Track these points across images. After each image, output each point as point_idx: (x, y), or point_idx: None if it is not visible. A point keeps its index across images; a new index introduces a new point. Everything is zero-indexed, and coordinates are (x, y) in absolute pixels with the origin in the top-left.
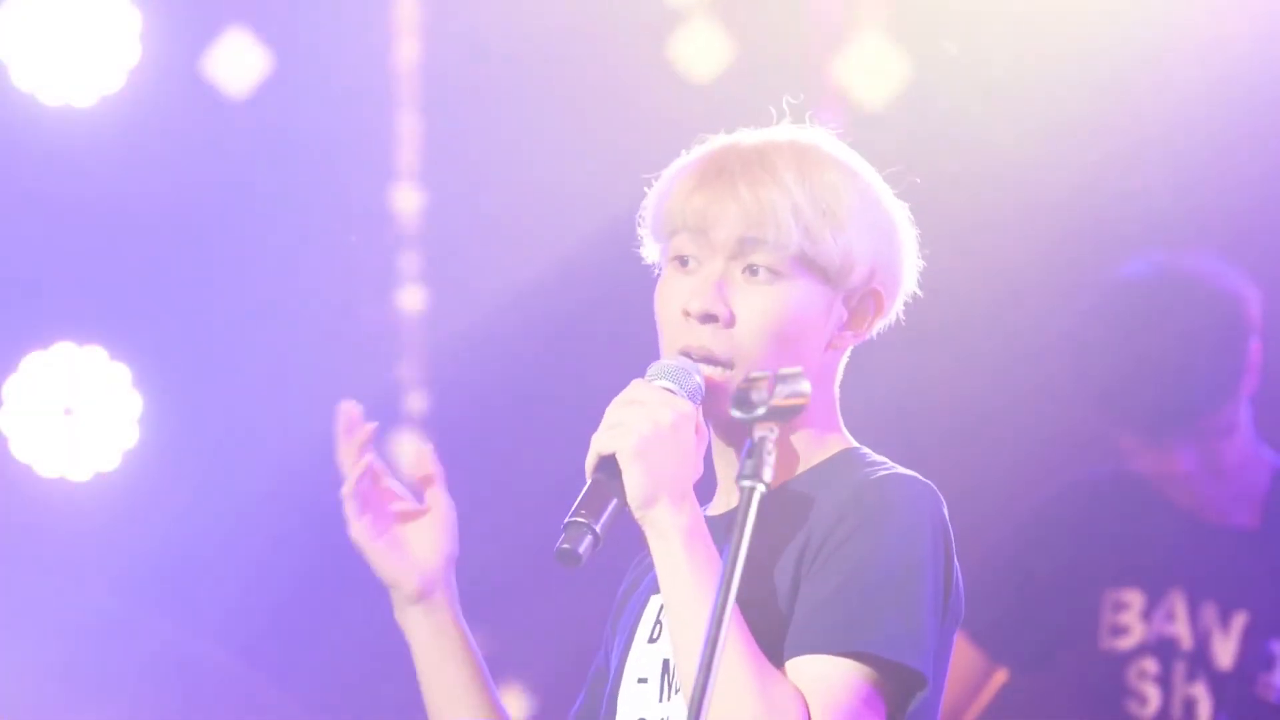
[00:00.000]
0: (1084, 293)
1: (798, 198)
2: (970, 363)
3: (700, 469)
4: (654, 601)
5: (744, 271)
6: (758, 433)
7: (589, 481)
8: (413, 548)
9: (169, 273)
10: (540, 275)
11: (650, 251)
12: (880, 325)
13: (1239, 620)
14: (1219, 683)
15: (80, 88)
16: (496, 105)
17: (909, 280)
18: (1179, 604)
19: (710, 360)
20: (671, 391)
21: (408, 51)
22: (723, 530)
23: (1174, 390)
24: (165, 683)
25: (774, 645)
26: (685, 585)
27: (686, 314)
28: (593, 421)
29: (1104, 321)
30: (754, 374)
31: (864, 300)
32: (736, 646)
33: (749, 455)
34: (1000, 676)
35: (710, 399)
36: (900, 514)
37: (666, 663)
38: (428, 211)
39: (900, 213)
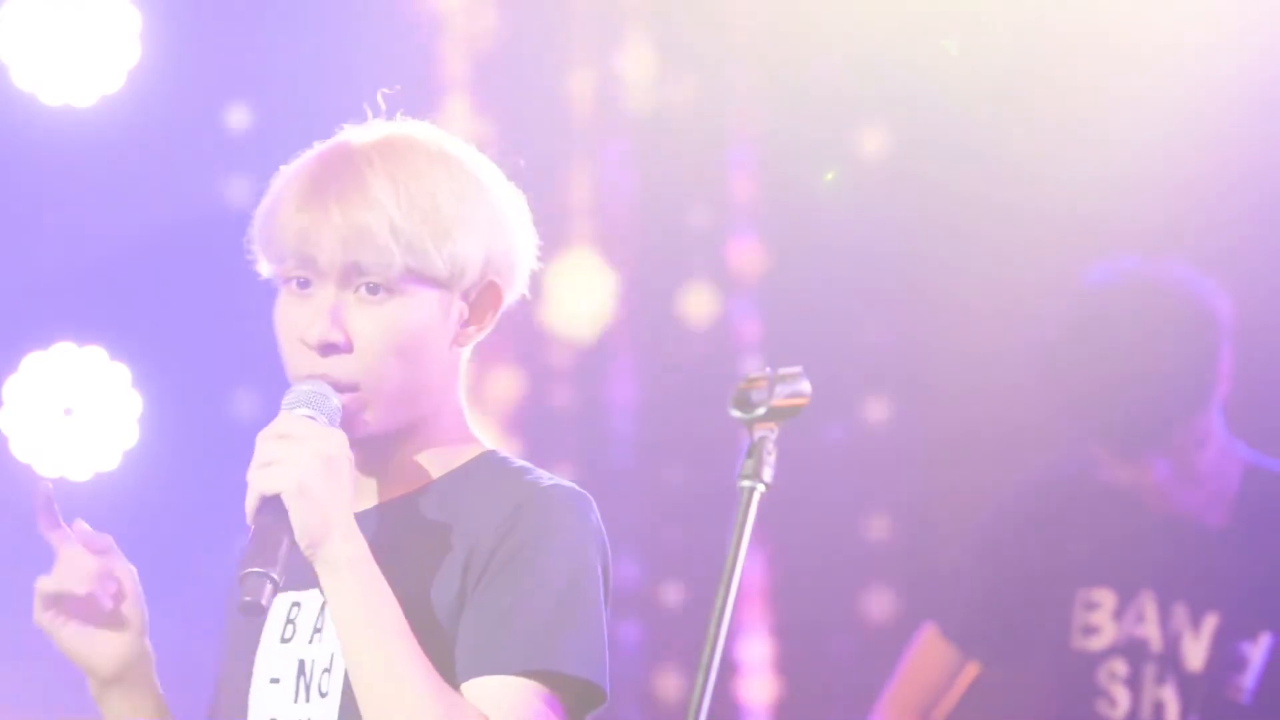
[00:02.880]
0: (1056, 299)
1: (394, 215)
2: (949, 360)
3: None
4: (282, 600)
5: (357, 291)
6: (757, 433)
7: (254, 526)
8: (105, 626)
9: (169, 273)
10: None
11: (265, 267)
12: (500, 314)
13: (1210, 622)
14: (1188, 685)
15: (80, 88)
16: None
17: (525, 261)
18: (1149, 605)
19: (336, 388)
20: (314, 420)
21: (416, 45)
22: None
23: (1146, 404)
24: (165, 682)
25: (441, 661)
26: (362, 618)
27: (304, 340)
28: None
29: (1075, 330)
30: (753, 374)
31: (483, 294)
32: (412, 668)
33: (748, 455)
34: (972, 670)
35: (343, 423)
36: (567, 527)
37: (302, 664)
38: None
39: (506, 195)
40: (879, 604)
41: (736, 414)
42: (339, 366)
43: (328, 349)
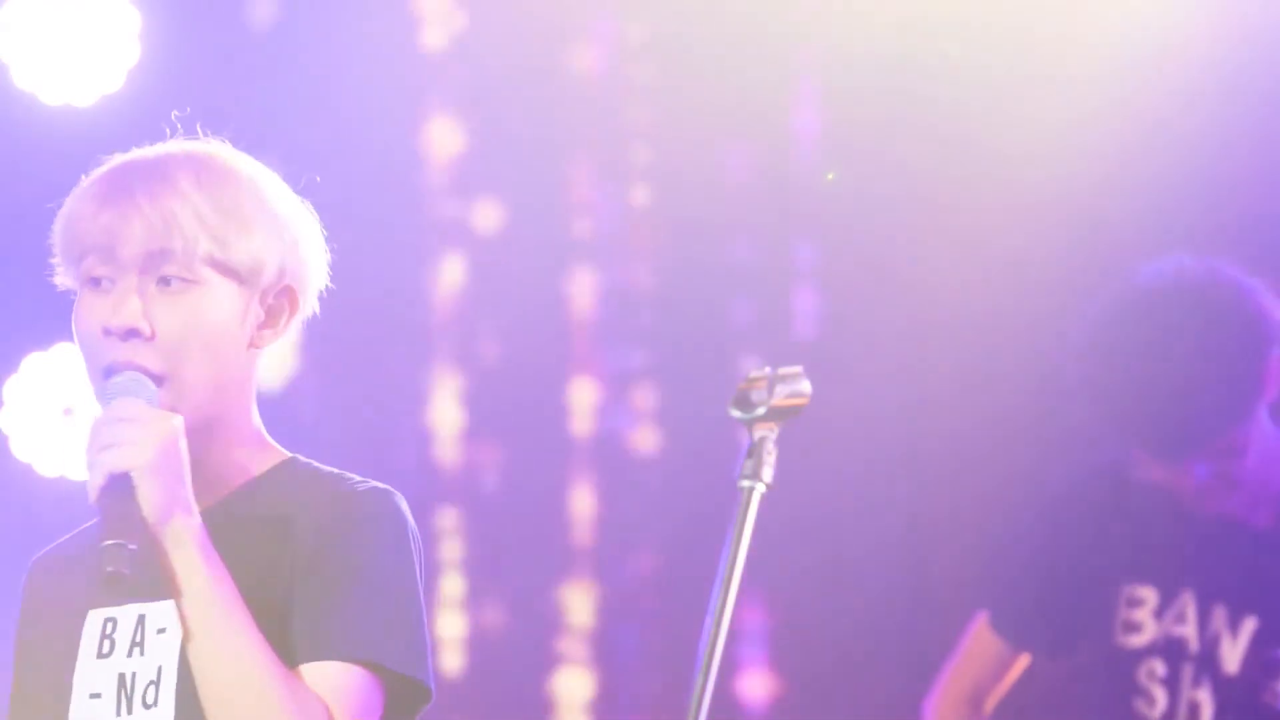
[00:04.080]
0: (1099, 297)
1: (199, 204)
2: (947, 357)
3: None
4: (95, 616)
5: (158, 284)
6: (757, 433)
7: (102, 504)
8: None
9: None
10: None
11: (64, 278)
12: (295, 322)
13: (1248, 625)
14: (1224, 688)
15: (80, 87)
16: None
17: (317, 275)
18: (1189, 605)
19: (139, 370)
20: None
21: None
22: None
23: (1187, 410)
24: None
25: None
26: (209, 597)
27: (108, 331)
28: None
29: (1119, 329)
30: (753, 374)
31: (279, 298)
32: (258, 649)
33: (749, 455)
34: (1023, 661)
35: None
36: (386, 524)
37: (122, 677)
38: (440, 208)
39: (304, 211)
40: (907, 607)
41: (736, 414)
42: (144, 354)
43: (130, 334)
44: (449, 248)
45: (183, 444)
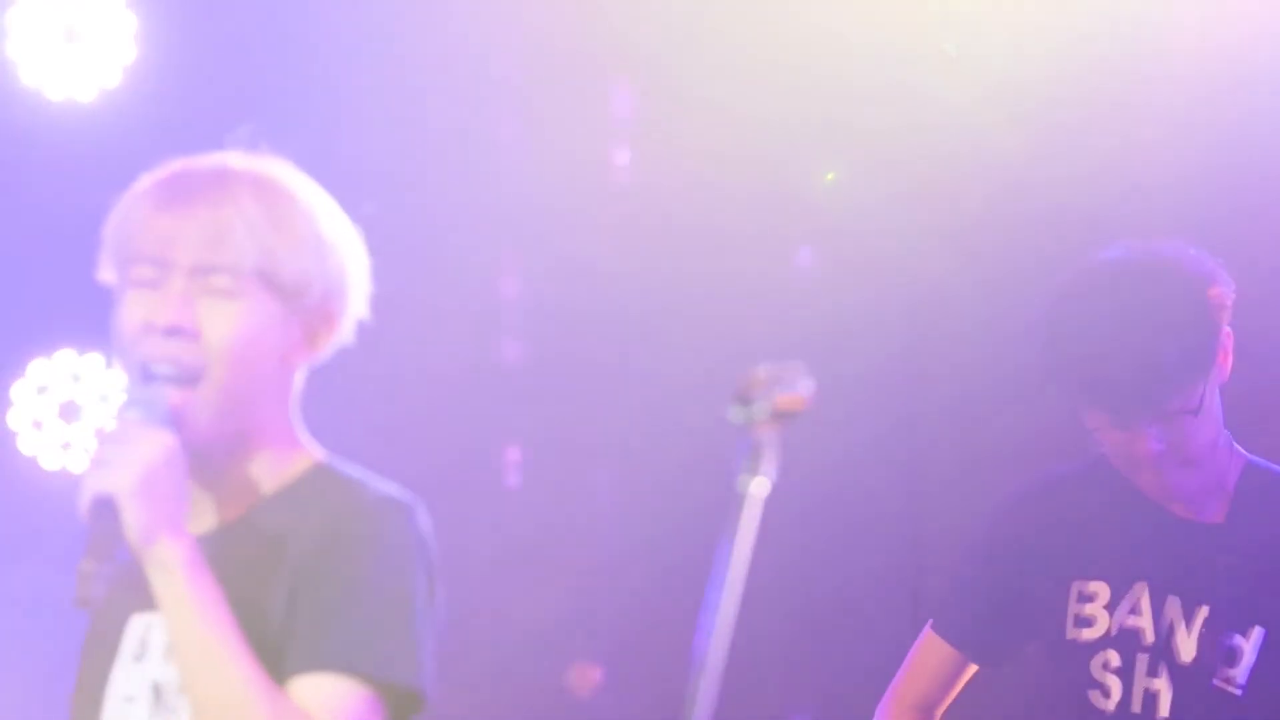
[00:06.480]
0: (1056, 278)
1: (255, 218)
2: (948, 358)
3: (189, 499)
4: (136, 620)
5: (206, 290)
6: (757, 433)
7: (89, 524)
8: None
9: None
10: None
11: (109, 274)
12: (332, 344)
13: (1201, 614)
14: (1180, 676)
15: (81, 84)
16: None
17: (357, 303)
18: (1143, 597)
19: (178, 366)
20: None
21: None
22: (206, 550)
23: (1143, 370)
24: None
25: (267, 667)
26: (193, 616)
27: (150, 326)
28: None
29: (1073, 300)
30: (753, 373)
31: (317, 320)
32: (241, 667)
33: (749, 455)
34: (971, 670)
35: (177, 423)
36: (388, 536)
37: (156, 684)
38: (426, 205)
39: (352, 238)
40: (882, 603)
41: (736, 414)
42: (187, 350)
43: (175, 331)
44: (451, 247)
45: (175, 465)
